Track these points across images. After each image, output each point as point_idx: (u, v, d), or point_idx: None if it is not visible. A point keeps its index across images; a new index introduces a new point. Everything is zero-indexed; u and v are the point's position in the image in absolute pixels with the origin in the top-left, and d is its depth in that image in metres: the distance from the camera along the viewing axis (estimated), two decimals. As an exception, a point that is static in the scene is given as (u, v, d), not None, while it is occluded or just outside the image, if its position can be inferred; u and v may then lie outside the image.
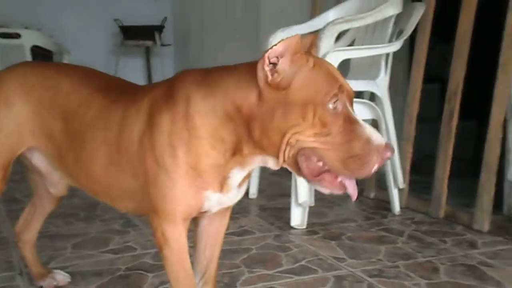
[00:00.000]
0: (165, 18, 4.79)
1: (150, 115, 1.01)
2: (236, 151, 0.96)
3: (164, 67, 4.83)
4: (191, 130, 0.96)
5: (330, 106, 0.86)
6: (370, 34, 2.19)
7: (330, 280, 1.45)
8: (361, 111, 2.06)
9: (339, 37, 2.15)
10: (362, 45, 2.22)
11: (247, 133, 0.93)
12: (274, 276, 1.49)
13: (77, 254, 1.67)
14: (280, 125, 0.88)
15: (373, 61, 2.11)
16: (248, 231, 1.89)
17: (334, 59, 1.92)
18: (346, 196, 2.53)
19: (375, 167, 0.88)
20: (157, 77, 4.96)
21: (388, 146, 0.87)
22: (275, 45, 0.86)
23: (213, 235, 1.14)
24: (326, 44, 1.92)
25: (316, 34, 0.97)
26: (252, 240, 1.80)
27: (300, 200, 1.93)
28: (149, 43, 4.72)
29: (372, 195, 2.33)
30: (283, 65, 0.87)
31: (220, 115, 0.94)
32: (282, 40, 0.86)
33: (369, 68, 2.15)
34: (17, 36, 4.08)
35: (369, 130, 0.88)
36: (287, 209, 1.99)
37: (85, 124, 1.10)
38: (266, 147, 0.92)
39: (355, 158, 0.86)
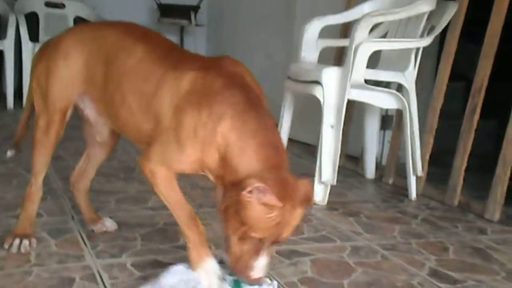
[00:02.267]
0: (202, -2, 4.92)
1: (187, 94, 1.14)
2: None
3: (197, 47, 4.98)
4: None
5: (253, 234, 1.09)
6: (403, 27, 2.30)
7: (347, 249, 1.60)
8: (387, 101, 2.19)
9: (372, 28, 2.27)
10: (395, 37, 2.33)
11: None
12: (296, 241, 1.64)
13: (120, 207, 1.85)
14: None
15: (403, 54, 2.22)
16: (273, 203, 2.04)
17: (367, 49, 2.04)
18: (365, 180, 2.62)
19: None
20: (189, 56, 5.12)
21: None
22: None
23: None
24: (360, 34, 2.05)
25: (310, 190, 1.21)
26: (277, 210, 1.95)
27: (323, 179, 2.07)
28: (184, 22, 4.87)
29: (390, 181, 2.46)
30: None
31: None
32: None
33: (398, 60, 2.26)
34: (62, 6, 4.27)
35: (257, 265, 1.10)
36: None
37: (123, 69, 1.25)
38: None
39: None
